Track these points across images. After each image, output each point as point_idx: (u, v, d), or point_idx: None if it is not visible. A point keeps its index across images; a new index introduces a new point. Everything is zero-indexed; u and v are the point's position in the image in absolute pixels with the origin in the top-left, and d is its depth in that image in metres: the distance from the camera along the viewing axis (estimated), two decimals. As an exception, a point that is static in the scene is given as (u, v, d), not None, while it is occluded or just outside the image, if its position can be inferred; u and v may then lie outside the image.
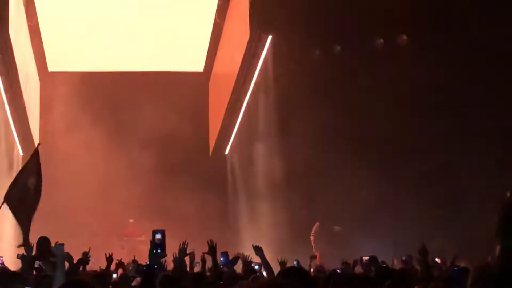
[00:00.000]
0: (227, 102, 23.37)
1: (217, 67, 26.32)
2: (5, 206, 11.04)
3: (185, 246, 8.86)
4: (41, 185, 11.79)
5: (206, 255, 10.32)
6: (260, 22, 18.94)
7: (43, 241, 11.11)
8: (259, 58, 20.24)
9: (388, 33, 19.39)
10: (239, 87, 22.06)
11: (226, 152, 26.51)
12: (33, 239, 12.37)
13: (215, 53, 26.14)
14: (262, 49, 19.79)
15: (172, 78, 26.47)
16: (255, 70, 20.87)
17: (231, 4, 23.03)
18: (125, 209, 23.94)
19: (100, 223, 24.19)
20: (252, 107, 22.56)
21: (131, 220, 24.37)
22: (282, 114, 20.82)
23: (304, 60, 20.05)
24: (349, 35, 19.41)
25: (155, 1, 24.10)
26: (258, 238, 20.82)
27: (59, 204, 22.57)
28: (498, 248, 2.57)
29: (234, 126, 24.42)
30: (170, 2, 24.07)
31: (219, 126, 25.29)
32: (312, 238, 20.43)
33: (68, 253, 11.00)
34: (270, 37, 19.49)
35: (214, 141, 26.63)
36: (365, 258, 12.04)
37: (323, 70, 20.00)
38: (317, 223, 20.53)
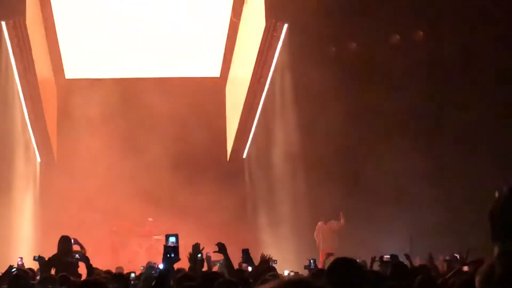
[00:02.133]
0: (243, 102, 23.32)
1: (233, 71, 26.26)
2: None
3: (198, 245, 8.83)
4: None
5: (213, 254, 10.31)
6: (275, 10, 18.79)
7: (64, 240, 11.13)
8: (275, 49, 20.06)
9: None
10: (255, 82, 21.98)
11: (244, 156, 26.41)
12: (54, 237, 12.42)
13: (231, 58, 26.07)
14: (278, 39, 19.60)
15: (188, 83, 26.42)
16: (271, 62, 20.73)
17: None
18: (143, 209, 23.92)
19: (118, 222, 24.25)
20: (269, 105, 22.48)
21: (150, 219, 24.36)
22: (301, 110, 20.69)
23: (322, 50, 19.85)
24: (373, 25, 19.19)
25: (171, 6, 24.07)
26: (277, 241, 20.79)
27: (77, 205, 22.64)
28: (495, 250, 2.47)
29: (251, 128, 24.37)
30: (185, 6, 24.00)
31: (235, 129, 25.24)
32: (316, 239, 20.31)
33: (84, 254, 11.05)
34: (286, 25, 19.33)
35: (231, 145, 26.54)
36: (386, 256, 11.84)
37: (343, 61, 19.85)
38: (320, 223, 20.37)
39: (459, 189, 19.49)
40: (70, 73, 26.18)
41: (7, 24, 19.45)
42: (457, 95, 19.46)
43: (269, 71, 21.27)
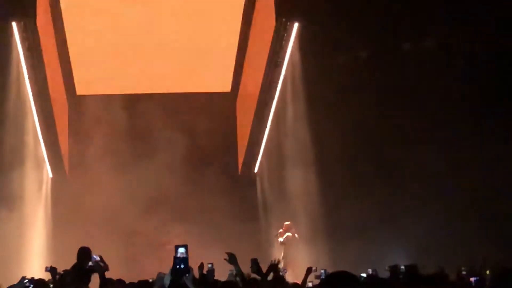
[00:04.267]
0: (254, 113, 23.32)
1: (244, 85, 26.24)
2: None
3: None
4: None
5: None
6: (285, 8, 18.70)
7: (84, 252, 11.09)
8: (286, 50, 19.93)
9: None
10: (266, 87, 21.94)
11: (255, 170, 26.34)
12: (65, 251, 12.35)
13: (242, 72, 26.05)
14: (289, 39, 19.50)
15: (199, 99, 26.44)
16: (282, 65, 20.64)
17: (257, 6, 22.86)
18: (156, 221, 23.92)
19: (131, 235, 24.30)
20: (280, 115, 22.43)
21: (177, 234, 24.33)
22: (314, 117, 20.62)
23: (335, 51, 19.76)
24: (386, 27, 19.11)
25: (181, 22, 24.08)
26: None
27: (89, 220, 22.63)
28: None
29: (261, 141, 24.32)
30: (195, 21, 23.99)
31: (246, 142, 25.21)
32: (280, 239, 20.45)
33: (98, 263, 10.98)
34: (296, 24, 19.22)
35: (242, 159, 26.48)
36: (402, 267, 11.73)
37: (357, 64, 19.77)
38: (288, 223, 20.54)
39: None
40: (81, 89, 26.22)
41: (18, 27, 19.56)
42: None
43: (280, 74, 21.16)
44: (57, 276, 10.61)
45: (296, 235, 20.78)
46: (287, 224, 21.23)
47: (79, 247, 11.55)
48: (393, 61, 19.39)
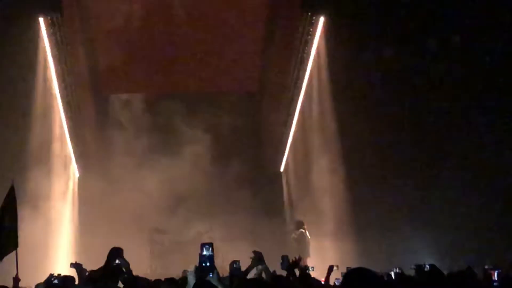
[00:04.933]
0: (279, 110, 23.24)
1: (270, 83, 26.13)
2: None
3: (261, 257, 8.78)
4: (16, 225, 11.43)
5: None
6: (311, 2, 18.54)
7: (113, 251, 11.18)
8: (312, 44, 19.78)
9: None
10: (291, 85, 21.85)
11: (281, 168, 26.28)
12: (92, 249, 12.35)
13: (268, 73, 25.91)
14: (314, 33, 19.32)
15: (225, 98, 26.42)
16: (308, 61, 20.51)
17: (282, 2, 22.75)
18: (182, 219, 23.98)
19: (156, 232, 24.41)
20: (306, 115, 22.36)
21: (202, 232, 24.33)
22: (340, 113, 20.51)
23: (361, 44, 19.58)
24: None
25: (206, 22, 23.95)
26: (320, 253, 20.60)
27: (115, 217, 22.71)
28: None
29: (287, 138, 24.26)
30: (220, 22, 23.88)
31: (272, 140, 25.18)
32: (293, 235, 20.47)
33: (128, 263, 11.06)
34: (322, 18, 19.05)
35: (268, 158, 26.42)
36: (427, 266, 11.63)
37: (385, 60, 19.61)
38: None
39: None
40: (106, 87, 26.27)
41: (45, 22, 19.67)
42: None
43: (305, 71, 21.05)
44: (86, 273, 10.64)
45: (307, 232, 20.84)
46: (299, 221, 21.33)
47: (109, 246, 11.62)
48: (420, 55, 19.21)
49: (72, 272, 11.04)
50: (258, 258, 8.99)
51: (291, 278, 9.35)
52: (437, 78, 18.94)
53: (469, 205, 18.65)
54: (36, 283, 10.93)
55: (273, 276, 9.22)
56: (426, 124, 19.70)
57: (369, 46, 19.47)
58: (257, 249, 9.24)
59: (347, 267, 11.56)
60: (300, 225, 21.15)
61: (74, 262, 10.59)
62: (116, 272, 10.18)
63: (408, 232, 19.59)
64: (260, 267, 9.81)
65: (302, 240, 20.71)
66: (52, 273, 11.02)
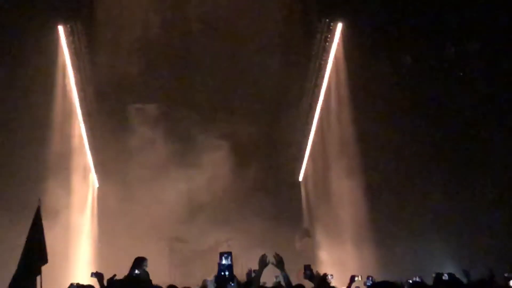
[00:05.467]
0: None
1: (288, 91, 26.07)
2: None
3: (264, 258, 8.64)
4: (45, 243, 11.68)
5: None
6: (328, 8, 18.49)
7: (136, 260, 11.23)
8: (330, 51, 19.71)
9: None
10: (309, 92, 21.78)
11: (300, 179, 26.19)
12: (111, 258, 12.36)
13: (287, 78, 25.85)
14: (332, 40, 19.25)
15: (244, 107, 26.37)
16: (326, 68, 20.45)
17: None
18: (200, 228, 23.97)
19: (175, 241, 24.46)
20: (325, 122, 22.28)
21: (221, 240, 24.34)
22: (359, 121, 20.43)
23: (381, 51, 19.49)
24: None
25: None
26: (340, 262, 20.50)
27: (135, 227, 22.75)
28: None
29: (306, 146, 24.18)
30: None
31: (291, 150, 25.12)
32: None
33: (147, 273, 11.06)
34: (340, 24, 18.96)
35: (287, 167, 26.32)
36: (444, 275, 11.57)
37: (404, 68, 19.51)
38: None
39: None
40: (126, 97, 26.21)
41: (64, 31, 19.73)
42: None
43: (323, 78, 21.01)
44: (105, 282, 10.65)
45: (313, 238, 20.84)
46: (305, 230, 21.26)
47: (128, 255, 11.65)
48: (438, 60, 19.11)
49: (92, 282, 11.06)
50: (263, 261, 8.92)
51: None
52: (456, 83, 18.82)
53: (492, 214, 18.56)
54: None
55: (290, 284, 9.17)
56: (449, 130, 19.57)
57: (387, 52, 19.39)
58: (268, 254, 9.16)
59: (368, 276, 11.52)
60: (306, 233, 21.05)
61: (95, 272, 10.60)
62: (134, 282, 10.21)
63: (430, 240, 19.46)
64: (280, 276, 9.77)
65: (307, 249, 20.62)
66: (73, 282, 11.03)
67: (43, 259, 11.64)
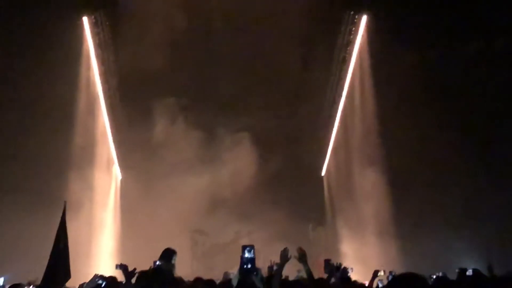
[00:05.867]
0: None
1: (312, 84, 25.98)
2: None
3: (286, 252, 8.62)
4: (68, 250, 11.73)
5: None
6: (353, 1, 18.40)
7: (167, 252, 11.23)
8: (354, 44, 19.60)
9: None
10: (334, 85, 21.69)
11: (323, 173, 26.12)
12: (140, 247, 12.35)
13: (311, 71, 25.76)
14: (357, 33, 19.15)
15: (267, 101, 26.32)
16: (350, 61, 20.34)
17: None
18: (223, 220, 24.02)
19: (198, 233, 24.53)
20: (348, 116, 22.19)
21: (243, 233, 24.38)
22: (383, 116, 20.31)
23: (405, 44, 19.33)
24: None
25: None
26: (362, 257, 20.42)
27: (157, 219, 22.81)
28: None
29: (329, 141, 24.08)
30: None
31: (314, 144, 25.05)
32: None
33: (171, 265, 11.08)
34: (365, 16, 18.84)
35: (310, 161, 26.23)
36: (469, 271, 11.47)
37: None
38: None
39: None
40: (149, 90, 26.22)
41: (89, 22, 19.77)
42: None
43: (347, 71, 20.90)
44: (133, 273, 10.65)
45: None
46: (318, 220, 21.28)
47: (151, 247, 11.68)
48: (464, 56, 18.93)
49: (116, 274, 11.09)
50: (285, 255, 8.90)
51: (331, 281, 9.27)
52: (483, 78, 18.64)
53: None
54: (79, 283, 10.99)
55: (312, 278, 9.14)
56: (475, 122, 19.40)
57: (413, 45, 19.25)
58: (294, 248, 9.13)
59: (390, 271, 11.46)
60: (318, 223, 21.01)
61: (119, 263, 10.62)
62: (157, 274, 10.21)
63: (453, 236, 19.33)
64: (301, 270, 9.73)
65: (320, 239, 20.57)
66: (97, 273, 11.06)
67: (67, 275, 11.66)
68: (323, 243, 22.31)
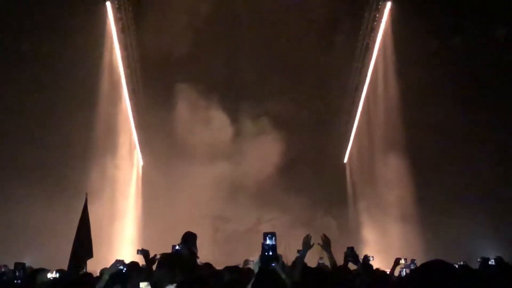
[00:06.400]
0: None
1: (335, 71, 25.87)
2: None
3: (309, 240, 8.58)
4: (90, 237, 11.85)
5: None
6: None
7: (190, 236, 11.22)
8: (378, 31, 19.48)
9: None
10: (357, 70, 21.58)
11: (345, 161, 26.02)
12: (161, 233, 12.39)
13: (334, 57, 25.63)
14: (381, 20, 19.04)
15: (290, 88, 26.25)
16: (373, 47, 20.23)
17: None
18: (244, 206, 24.03)
19: (219, 219, 24.58)
20: (371, 105, 22.06)
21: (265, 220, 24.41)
22: (405, 103, 20.17)
23: (429, 33, 19.16)
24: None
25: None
26: (385, 246, 20.34)
27: (178, 205, 22.86)
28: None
29: (352, 128, 23.99)
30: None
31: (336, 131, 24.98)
32: None
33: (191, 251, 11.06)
34: (389, 3, 18.73)
35: (332, 148, 26.14)
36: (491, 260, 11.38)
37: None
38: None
39: None
40: (172, 75, 26.18)
41: (112, 7, 19.78)
42: None
43: (371, 58, 20.77)
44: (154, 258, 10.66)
45: None
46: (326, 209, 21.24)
47: (173, 233, 11.65)
48: (489, 43, 18.72)
49: (137, 259, 11.11)
50: (307, 243, 8.85)
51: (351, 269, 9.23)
52: (506, 63, 18.44)
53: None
54: (101, 268, 11.02)
55: (335, 265, 9.11)
56: (498, 108, 19.21)
57: (436, 31, 19.07)
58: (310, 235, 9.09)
59: (412, 259, 11.38)
60: (327, 212, 20.99)
61: (140, 248, 10.63)
62: (177, 258, 10.21)
63: (475, 224, 19.17)
64: (322, 257, 9.70)
65: (328, 227, 20.52)
66: (118, 258, 11.09)
67: (89, 254, 11.82)
68: (344, 228, 22.24)
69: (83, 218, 11.95)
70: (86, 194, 12.11)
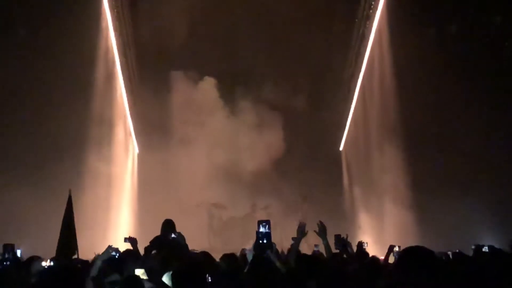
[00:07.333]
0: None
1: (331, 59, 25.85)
2: None
3: (303, 227, 8.58)
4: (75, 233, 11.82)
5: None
6: None
7: (167, 224, 11.19)
8: (373, 19, 19.48)
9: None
10: (352, 59, 21.57)
11: (341, 148, 26.04)
12: (151, 225, 12.37)
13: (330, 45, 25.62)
14: (376, 8, 19.03)
15: (287, 76, 26.25)
16: (369, 34, 20.21)
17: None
18: (239, 194, 24.07)
19: (214, 208, 24.56)
20: (367, 92, 22.07)
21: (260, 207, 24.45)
22: (401, 92, 20.19)
23: (424, 21, 19.16)
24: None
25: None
26: (379, 235, 20.39)
27: (174, 194, 22.89)
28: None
29: (347, 116, 23.99)
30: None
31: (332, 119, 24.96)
32: None
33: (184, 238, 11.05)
34: None
35: (328, 136, 26.16)
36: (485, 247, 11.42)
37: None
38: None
39: None
40: (168, 63, 26.14)
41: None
42: None
43: (366, 47, 20.77)
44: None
45: None
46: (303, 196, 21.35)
47: (165, 218, 11.63)
48: (486, 32, 18.72)
49: (128, 247, 11.11)
50: (302, 230, 8.85)
51: (344, 256, 9.24)
52: (505, 57, 18.44)
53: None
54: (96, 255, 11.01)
55: (330, 252, 9.13)
56: (496, 98, 19.23)
57: (432, 20, 19.06)
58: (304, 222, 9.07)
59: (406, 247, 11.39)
60: (303, 199, 21.12)
61: (128, 236, 10.61)
62: (172, 246, 10.21)
63: (470, 213, 19.21)
64: (318, 244, 9.69)
65: (307, 217, 20.61)
66: (111, 245, 11.07)
67: (74, 252, 11.78)
68: (340, 215, 22.27)
69: (67, 215, 11.90)
70: (70, 191, 12.05)
